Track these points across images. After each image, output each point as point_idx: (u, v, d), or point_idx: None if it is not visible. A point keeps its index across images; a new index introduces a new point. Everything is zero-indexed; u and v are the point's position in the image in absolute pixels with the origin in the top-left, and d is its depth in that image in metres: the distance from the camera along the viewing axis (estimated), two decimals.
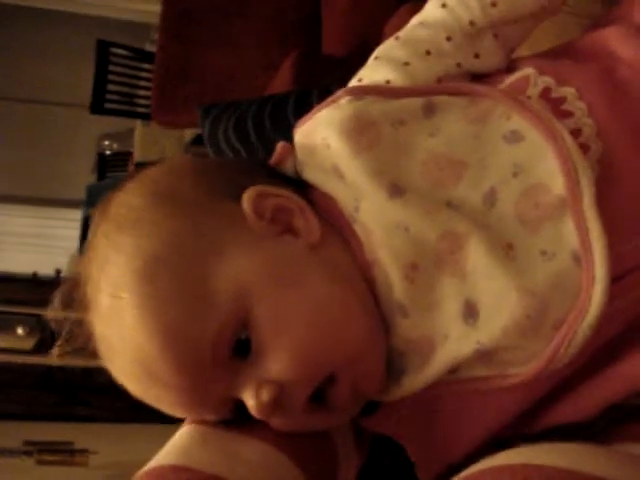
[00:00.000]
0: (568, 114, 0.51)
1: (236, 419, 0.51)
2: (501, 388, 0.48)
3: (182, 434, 0.52)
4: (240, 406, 0.49)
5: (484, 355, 0.47)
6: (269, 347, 0.48)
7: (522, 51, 0.94)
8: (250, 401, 0.48)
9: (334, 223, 0.52)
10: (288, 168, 0.57)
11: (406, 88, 0.55)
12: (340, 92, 0.55)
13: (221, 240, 0.49)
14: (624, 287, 0.47)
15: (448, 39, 0.56)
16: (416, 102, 0.54)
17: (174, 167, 0.56)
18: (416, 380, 0.50)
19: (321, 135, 0.53)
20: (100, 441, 2.41)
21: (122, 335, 0.48)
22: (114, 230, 0.50)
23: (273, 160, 0.58)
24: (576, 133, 0.49)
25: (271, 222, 0.51)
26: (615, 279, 0.45)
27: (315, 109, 0.56)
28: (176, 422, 0.56)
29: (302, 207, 0.52)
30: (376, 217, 0.50)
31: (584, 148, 0.49)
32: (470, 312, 0.47)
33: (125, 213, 0.51)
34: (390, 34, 0.61)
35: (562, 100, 0.52)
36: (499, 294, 0.45)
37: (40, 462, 2.30)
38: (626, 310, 0.47)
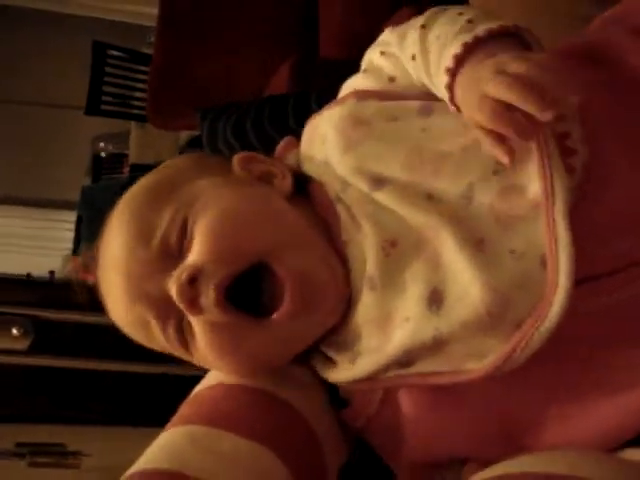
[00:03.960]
0: (560, 116, 0.51)
1: (177, 341, 0.55)
2: (458, 385, 0.49)
3: (172, 435, 0.53)
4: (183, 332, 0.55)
5: (440, 345, 0.48)
6: (194, 237, 0.53)
7: None
8: (172, 287, 0.52)
9: (320, 211, 0.56)
10: (290, 159, 0.62)
11: (407, 93, 0.57)
12: (348, 94, 0.60)
13: (203, 174, 0.59)
14: (602, 287, 0.47)
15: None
16: (412, 103, 0.56)
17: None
18: (371, 360, 0.51)
19: (322, 131, 0.58)
20: (93, 444, 2.39)
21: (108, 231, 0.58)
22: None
23: (278, 150, 0.64)
24: (565, 136, 0.50)
25: (256, 179, 0.60)
26: (590, 279, 0.47)
27: (326, 106, 0.61)
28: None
29: (284, 172, 0.60)
30: (360, 201, 0.53)
31: (570, 151, 0.49)
32: (435, 299, 0.48)
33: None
34: None
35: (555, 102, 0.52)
36: (464, 287, 0.47)
37: (32, 464, 2.29)
38: (611, 309, 0.47)
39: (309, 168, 0.59)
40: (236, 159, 0.61)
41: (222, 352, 0.54)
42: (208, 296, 0.51)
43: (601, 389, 0.48)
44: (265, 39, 2.31)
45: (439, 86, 0.52)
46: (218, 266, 0.51)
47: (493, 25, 0.49)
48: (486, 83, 0.46)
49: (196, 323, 0.53)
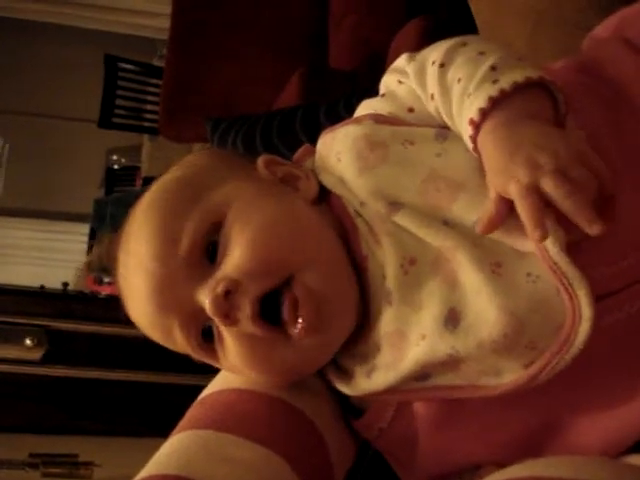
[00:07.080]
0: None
1: (201, 348, 0.54)
2: (478, 399, 0.49)
3: (181, 439, 0.52)
4: (207, 336, 0.54)
5: (455, 362, 0.48)
6: (231, 247, 0.52)
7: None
8: (206, 299, 0.51)
9: (339, 221, 0.56)
10: (307, 166, 0.62)
11: (425, 123, 0.57)
12: (365, 115, 0.59)
13: (231, 176, 0.57)
14: (614, 303, 0.47)
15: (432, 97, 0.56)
16: (429, 130, 0.56)
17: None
18: (387, 376, 0.51)
19: (336, 149, 0.58)
20: (105, 454, 2.39)
21: (131, 228, 0.57)
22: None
23: (294, 157, 0.63)
24: None
25: (280, 180, 0.59)
26: (603, 296, 0.47)
27: (341, 123, 0.60)
28: None
29: (308, 174, 0.59)
30: (379, 219, 0.53)
31: None
32: (452, 319, 0.48)
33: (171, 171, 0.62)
34: (397, 49, 0.62)
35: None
36: (481, 309, 0.47)
37: (45, 474, 2.29)
38: (621, 323, 0.48)
39: (324, 179, 0.59)
40: (261, 160, 0.60)
41: (253, 363, 0.53)
42: (244, 310, 0.50)
43: (607, 398, 0.49)
44: (275, 51, 2.34)
45: (461, 132, 0.52)
46: (256, 279, 0.51)
47: (519, 78, 0.48)
48: (542, 175, 0.44)
49: (228, 333, 0.53)
